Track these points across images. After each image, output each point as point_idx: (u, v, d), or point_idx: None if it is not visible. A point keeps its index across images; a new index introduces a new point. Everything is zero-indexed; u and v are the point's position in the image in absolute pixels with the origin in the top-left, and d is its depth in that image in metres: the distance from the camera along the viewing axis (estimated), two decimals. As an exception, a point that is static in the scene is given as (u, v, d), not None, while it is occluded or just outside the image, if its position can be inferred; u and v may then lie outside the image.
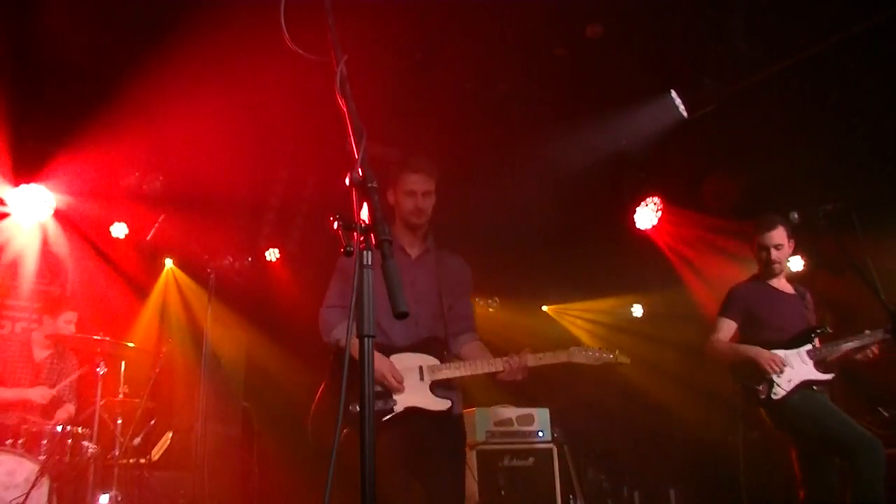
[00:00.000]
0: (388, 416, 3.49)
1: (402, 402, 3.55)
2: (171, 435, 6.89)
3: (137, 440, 6.21)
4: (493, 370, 3.65)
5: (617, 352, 3.89)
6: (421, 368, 3.64)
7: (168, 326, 8.36)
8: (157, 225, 6.67)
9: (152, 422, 6.42)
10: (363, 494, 1.88)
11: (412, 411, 3.55)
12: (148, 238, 6.73)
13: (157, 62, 6.05)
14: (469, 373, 3.67)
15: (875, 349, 4.69)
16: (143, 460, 6.29)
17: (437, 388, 3.64)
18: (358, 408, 3.07)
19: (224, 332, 8.35)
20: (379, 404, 3.45)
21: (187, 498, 6.59)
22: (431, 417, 3.59)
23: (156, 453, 6.61)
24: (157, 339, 7.71)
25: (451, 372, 3.65)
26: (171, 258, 8.60)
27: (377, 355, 3.42)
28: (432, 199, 3.81)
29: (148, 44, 6.05)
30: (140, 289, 8.35)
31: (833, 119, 6.35)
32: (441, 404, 3.62)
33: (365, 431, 1.94)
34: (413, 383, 3.58)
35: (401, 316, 1.97)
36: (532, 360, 3.67)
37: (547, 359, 3.75)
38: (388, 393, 3.53)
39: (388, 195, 3.83)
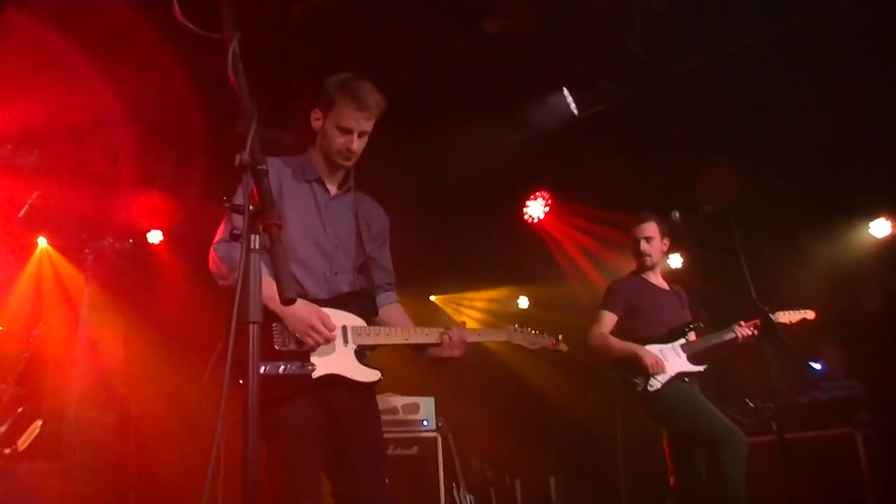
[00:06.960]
0: (301, 383, 2.85)
1: (321, 366, 2.89)
2: (40, 423, 6.57)
3: (3, 429, 5.90)
4: (429, 342, 3.14)
5: (560, 337, 3.55)
6: (345, 329, 3.00)
7: (40, 309, 7.95)
8: (30, 202, 6.31)
9: (20, 409, 6.12)
10: (245, 492, 1.80)
11: (332, 380, 2.92)
12: (20, 215, 6.35)
13: (31, 29, 5.74)
14: (401, 341, 3.12)
15: (751, 330, 4.93)
16: (8, 450, 5.98)
17: (364, 354, 3.06)
18: (266, 369, 2.78)
19: (101, 316, 8.01)
20: (293, 367, 2.83)
21: (57, 489, 6.31)
22: (353, 390, 2.99)
23: (23, 443, 6.28)
24: (27, 322, 7.30)
25: (380, 338, 3.07)
26: (44, 237, 8.18)
27: (300, 301, 2.80)
28: (365, 140, 3.16)
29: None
30: (8, 269, 7.89)
31: (729, 125, 6.67)
32: (370, 374, 3.01)
33: (249, 423, 1.87)
34: (335, 346, 2.95)
35: (288, 302, 1.95)
36: (472, 336, 3.21)
37: (486, 335, 3.43)
38: (304, 353, 2.88)
39: (313, 115, 3.17)
